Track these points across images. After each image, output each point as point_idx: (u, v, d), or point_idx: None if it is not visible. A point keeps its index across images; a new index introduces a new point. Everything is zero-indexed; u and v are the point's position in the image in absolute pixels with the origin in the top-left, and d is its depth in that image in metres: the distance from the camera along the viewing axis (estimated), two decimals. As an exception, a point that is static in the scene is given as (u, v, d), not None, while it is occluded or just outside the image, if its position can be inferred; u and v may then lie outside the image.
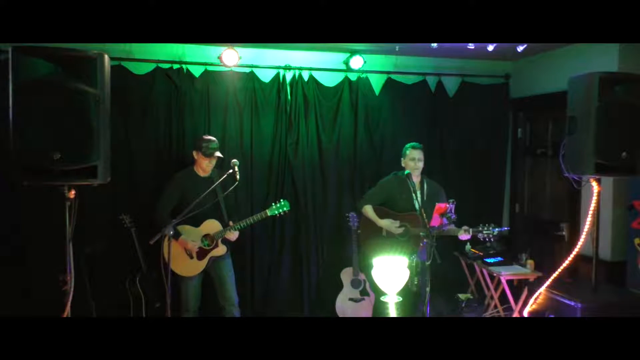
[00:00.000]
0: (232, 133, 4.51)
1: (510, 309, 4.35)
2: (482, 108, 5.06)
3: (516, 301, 4.27)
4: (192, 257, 3.72)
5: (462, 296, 4.76)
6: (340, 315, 4.47)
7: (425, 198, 3.89)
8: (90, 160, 2.37)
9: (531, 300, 3.21)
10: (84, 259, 3.85)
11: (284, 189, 4.64)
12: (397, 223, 3.89)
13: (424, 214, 3.06)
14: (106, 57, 2.43)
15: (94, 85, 2.35)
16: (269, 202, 4.02)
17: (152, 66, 4.31)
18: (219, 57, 4.36)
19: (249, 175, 4.54)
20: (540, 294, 3.15)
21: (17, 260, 3.93)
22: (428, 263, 2.84)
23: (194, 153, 3.77)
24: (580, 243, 3.08)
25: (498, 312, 4.50)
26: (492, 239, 3.65)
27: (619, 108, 2.83)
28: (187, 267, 3.72)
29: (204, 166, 3.76)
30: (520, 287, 4.34)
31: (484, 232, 3.58)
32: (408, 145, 3.99)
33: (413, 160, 3.89)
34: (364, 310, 4.43)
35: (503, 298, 4.40)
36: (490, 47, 3.99)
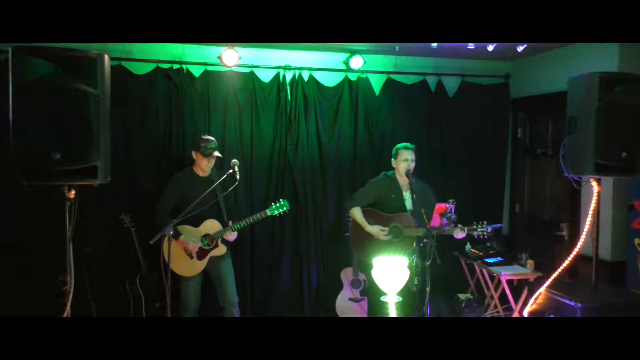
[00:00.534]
0: (232, 133, 4.51)
1: (510, 309, 4.35)
2: (482, 108, 5.06)
3: (516, 301, 4.28)
4: (192, 257, 3.72)
5: (462, 296, 4.77)
6: (340, 315, 4.47)
7: (415, 198, 3.80)
8: (90, 160, 2.36)
9: (531, 300, 3.20)
10: (84, 259, 3.84)
11: (284, 189, 4.64)
12: (386, 230, 3.74)
13: (424, 215, 3.05)
14: (106, 57, 2.42)
15: (94, 85, 2.34)
16: (269, 202, 4.01)
17: (152, 66, 4.31)
18: (219, 57, 4.37)
19: (249, 175, 4.54)
20: (540, 294, 3.14)
21: (17, 260, 3.93)
22: (428, 263, 2.84)
23: (193, 153, 3.77)
24: (580, 243, 3.08)
25: (498, 312, 4.51)
26: (487, 236, 3.66)
27: (619, 108, 2.82)
28: (187, 267, 3.72)
29: (203, 166, 3.76)
30: (520, 287, 4.33)
31: (478, 229, 3.59)
32: (399, 145, 3.82)
33: (406, 161, 3.72)
34: (364, 310, 4.43)
35: (503, 298, 4.41)
36: (490, 47, 3.99)
